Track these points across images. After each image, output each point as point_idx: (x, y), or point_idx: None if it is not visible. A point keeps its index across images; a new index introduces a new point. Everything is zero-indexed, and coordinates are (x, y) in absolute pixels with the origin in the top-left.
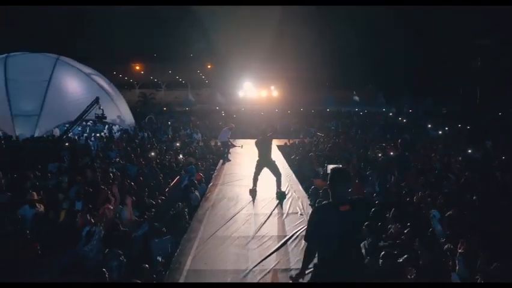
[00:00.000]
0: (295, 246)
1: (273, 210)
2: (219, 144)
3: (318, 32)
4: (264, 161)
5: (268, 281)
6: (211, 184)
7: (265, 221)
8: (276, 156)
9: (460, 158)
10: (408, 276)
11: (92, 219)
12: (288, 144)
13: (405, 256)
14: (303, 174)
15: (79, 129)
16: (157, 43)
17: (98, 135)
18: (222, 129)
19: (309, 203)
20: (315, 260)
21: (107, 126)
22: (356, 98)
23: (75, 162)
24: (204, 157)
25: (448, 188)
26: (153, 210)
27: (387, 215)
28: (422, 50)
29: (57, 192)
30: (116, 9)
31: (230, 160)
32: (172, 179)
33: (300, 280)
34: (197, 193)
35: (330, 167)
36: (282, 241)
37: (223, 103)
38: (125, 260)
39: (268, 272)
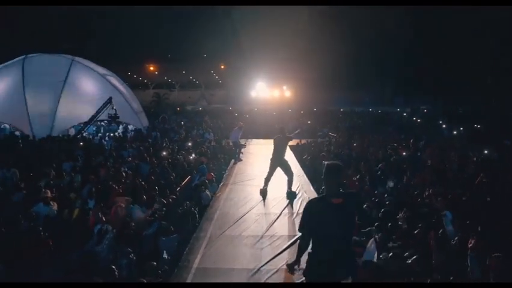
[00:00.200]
0: None
1: (283, 209)
2: (231, 144)
3: (331, 32)
4: (278, 160)
5: (276, 280)
6: (222, 183)
7: (275, 221)
8: (288, 156)
9: (475, 158)
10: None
11: (103, 218)
12: (299, 144)
13: (415, 257)
14: (314, 174)
15: (94, 129)
16: (171, 44)
17: (112, 134)
18: (233, 128)
19: None
20: (310, 250)
21: (122, 125)
22: (367, 98)
23: (89, 162)
24: (216, 157)
25: (462, 189)
26: (164, 209)
27: (398, 215)
28: (438, 49)
29: (70, 191)
30: (131, 10)
31: (242, 160)
32: (183, 179)
33: (295, 267)
34: (208, 192)
35: (326, 162)
36: (291, 241)
37: (236, 103)
38: (134, 258)
39: (276, 271)
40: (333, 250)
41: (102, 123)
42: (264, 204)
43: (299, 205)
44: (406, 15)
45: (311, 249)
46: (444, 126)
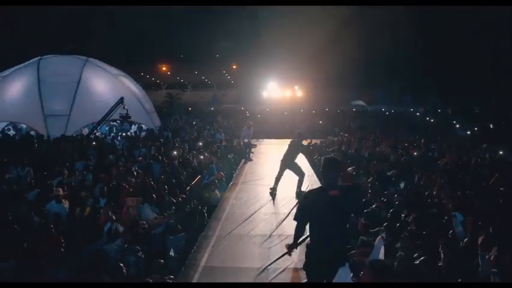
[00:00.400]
0: None
1: (292, 209)
2: (242, 143)
3: (343, 32)
4: (288, 162)
5: (282, 279)
6: (231, 183)
7: (283, 220)
8: (299, 156)
9: (489, 159)
10: None
11: (113, 216)
12: (311, 144)
13: (422, 258)
14: None
15: (107, 128)
16: (184, 44)
17: (124, 134)
18: (242, 128)
19: None
20: (308, 240)
21: (135, 125)
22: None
23: (101, 161)
24: (226, 156)
25: (474, 190)
26: (173, 208)
27: (407, 215)
28: (448, 48)
29: (81, 189)
30: (144, 11)
31: (252, 159)
32: (193, 178)
33: (294, 249)
34: (217, 192)
35: (324, 157)
36: (299, 240)
37: (248, 103)
38: (142, 256)
39: (283, 270)
40: (328, 238)
41: (114, 123)
42: (273, 203)
43: None
44: (423, 14)
45: (310, 238)
46: (458, 126)
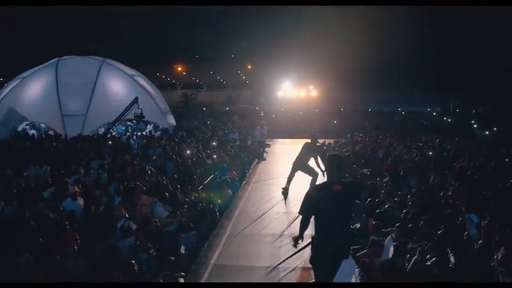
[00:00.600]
0: None
1: None
2: (255, 143)
3: (357, 32)
4: (300, 165)
5: (292, 278)
6: (244, 182)
7: (295, 220)
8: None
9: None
10: None
11: (126, 214)
12: (324, 145)
13: (434, 259)
14: None
15: (123, 128)
16: (199, 45)
17: (139, 133)
18: (255, 127)
19: None
20: (313, 233)
21: (150, 125)
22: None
23: (116, 160)
24: (239, 156)
25: (491, 191)
26: (185, 206)
27: (420, 216)
28: (466, 47)
29: (96, 188)
30: (159, 11)
31: (265, 159)
32: (206, 177)
33: (300, 241)
34: (229, 191)
35: (328, 154)
36: (310, 240)
37: (263, 103)
38: (154, 253)
39: (293, 269)
40: (332, 231)
41: (130, 122)
42: (285, 203)
43: None
44: (438, 13)
45: (315, 231)
46: (475, 126)
